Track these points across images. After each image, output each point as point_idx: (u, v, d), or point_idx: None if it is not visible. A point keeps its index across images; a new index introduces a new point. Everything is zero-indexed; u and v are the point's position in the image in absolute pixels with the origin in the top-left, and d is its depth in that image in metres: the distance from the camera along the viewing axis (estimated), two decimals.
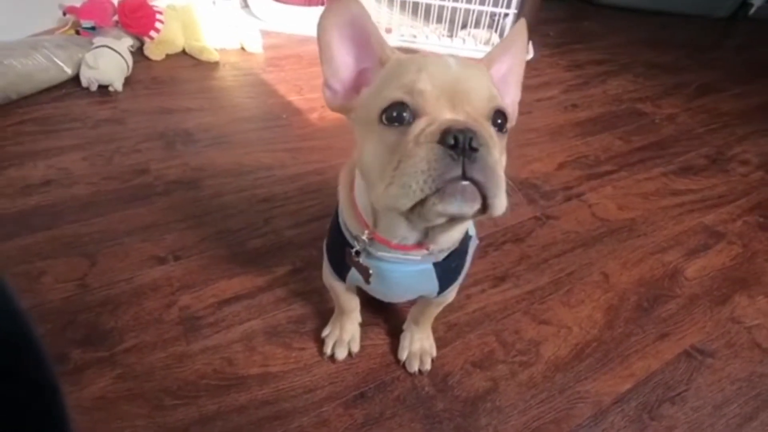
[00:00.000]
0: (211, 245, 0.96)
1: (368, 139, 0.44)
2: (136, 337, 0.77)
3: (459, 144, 0.36)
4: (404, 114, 0.41)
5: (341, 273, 0.62)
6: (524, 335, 0.83)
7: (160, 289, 0.86)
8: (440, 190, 0.37)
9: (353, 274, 0.59)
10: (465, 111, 0.41)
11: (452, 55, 0.46)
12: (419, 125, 0.40)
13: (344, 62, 0.49)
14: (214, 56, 1.72)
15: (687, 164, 1.36)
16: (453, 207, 0.38)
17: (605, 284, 0.95)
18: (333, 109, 0.50)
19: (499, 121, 0.44)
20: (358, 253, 0.55)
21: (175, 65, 1.70)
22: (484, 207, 0.38)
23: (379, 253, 0.54)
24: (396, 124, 0.41)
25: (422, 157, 0.37)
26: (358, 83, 0.49)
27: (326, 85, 0.50)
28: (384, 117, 0.41)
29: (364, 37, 0.47)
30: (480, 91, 0.42)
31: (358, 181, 0.53)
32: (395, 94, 0.41)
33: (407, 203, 0.38)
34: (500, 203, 0.39)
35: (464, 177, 0.37)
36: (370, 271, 0.56)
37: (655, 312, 0.90)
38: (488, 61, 0.51)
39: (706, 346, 0.84)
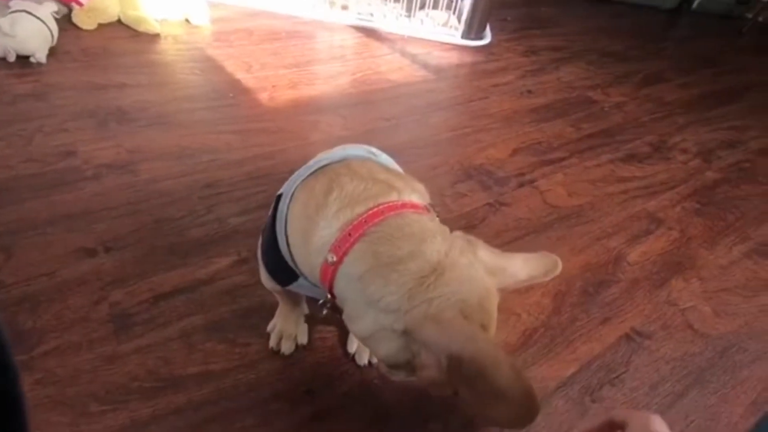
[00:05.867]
0: (147, 235, 0.89)
1: None
2: (58, 338, 0.70)
3: None
4: None
5: (282, 280, 0.58)
6: None
7: (88, 284, 0.79)
8: None
9: (300, 284, 0.55)
10: None
11: None
12: None
13: None
14: (155, 28, 1.59)
15: (633, 152, 1.41)
16: None
17: None
18: None
19: None
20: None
21: (109, 36, 1.55)
22: None
23: None
24: None
25: None
26: None
27: None
28: None
29: None
30: None
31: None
32: None
33: None
34: None
35: None
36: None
37: (600, 296, 0.93)
38: None
39: (644, 328, 0.88)
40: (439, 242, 0.43)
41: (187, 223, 0.93)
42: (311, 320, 0.77)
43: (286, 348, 0.73)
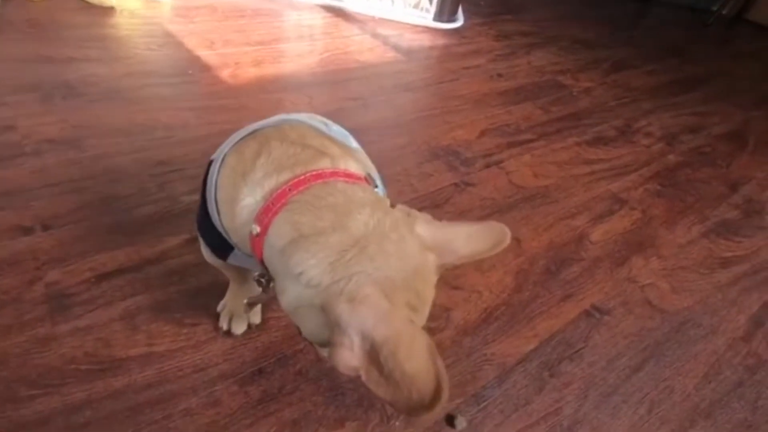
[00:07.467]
0: (92, 213, 0.84)
1: None
2: None
3: None
4: None
5: (218, 252, 0.54)
6: (435, 300, 0.82)
7: (22, 264, 0.73)
8: None
9: (236, 255, 0.52)
10: None
11: None
12: None
13: None
14: (109, 0, 1.50)
15: (599, 135, 1.42)
16: None
17: (517, 249, 0.96)
18: None
19: None
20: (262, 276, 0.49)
21: (57, 7, 1.46)
22: None
23: None
24: None
25: None
26: None
27: None
28: None
29: None
30: None
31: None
32: None
33: None
34: None
35: None
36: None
37: (562, 274, 0.93)
38: None
39: (604, 304, 0.88)
40: (367, 214, 0.40)
41: (136, 202, 0.88)
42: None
43: (237, 328, 0.70)
